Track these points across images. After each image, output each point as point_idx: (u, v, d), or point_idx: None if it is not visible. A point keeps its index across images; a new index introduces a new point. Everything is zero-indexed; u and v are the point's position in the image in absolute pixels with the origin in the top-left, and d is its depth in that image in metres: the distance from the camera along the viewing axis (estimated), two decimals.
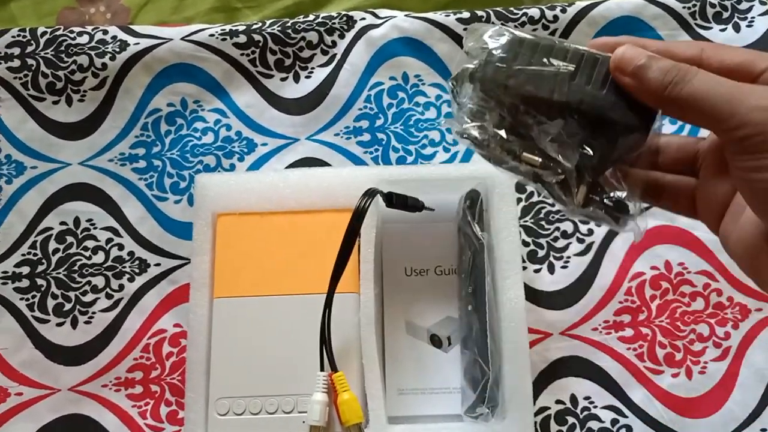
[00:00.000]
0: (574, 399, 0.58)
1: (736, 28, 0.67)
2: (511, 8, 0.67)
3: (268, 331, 0.53)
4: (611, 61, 0.35)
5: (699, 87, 0.32)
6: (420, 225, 0.60)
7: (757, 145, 0.30)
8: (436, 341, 0.57)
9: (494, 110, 0.41)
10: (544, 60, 0.38)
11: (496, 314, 0.54)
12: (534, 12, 0.67)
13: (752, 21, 0.67)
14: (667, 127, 0.62)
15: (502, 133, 0.41)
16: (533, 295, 0.60)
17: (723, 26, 0.68)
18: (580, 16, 0.67)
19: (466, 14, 0.67)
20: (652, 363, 0.59)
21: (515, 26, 0.65)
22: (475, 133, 0.42)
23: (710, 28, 0.68)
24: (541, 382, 0.58)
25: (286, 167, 0.64)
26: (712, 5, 0.68)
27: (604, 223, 0.40)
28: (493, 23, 0.66)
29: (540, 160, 0.40)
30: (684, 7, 0.67)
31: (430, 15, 0.67)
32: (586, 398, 0.58)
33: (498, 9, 0.67)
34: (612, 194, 0.39)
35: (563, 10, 0.67)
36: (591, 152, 0.38)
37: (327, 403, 0.51)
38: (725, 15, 0.68)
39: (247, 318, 0.53)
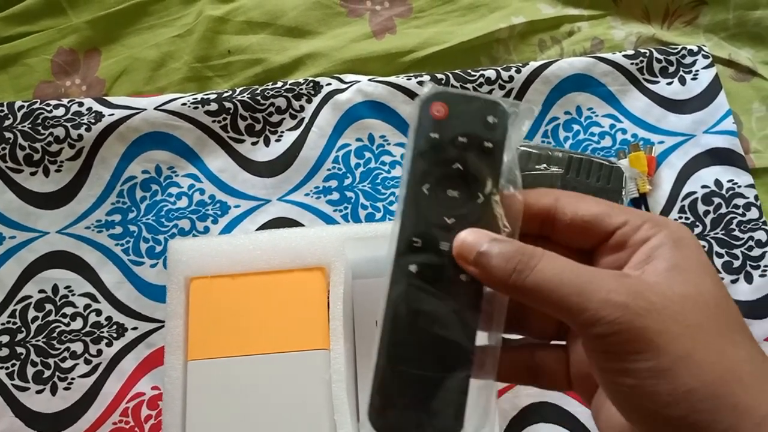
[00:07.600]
0: None
1: (682, 81, 0.71)
2: (469, 70, 0.70)
3: (243, 390, 0.54)
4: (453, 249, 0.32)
5: (544, 276, 0.28)
6: None
7: (614, 345, 0.27)
8: None
9: None
10: (544, 165, 0.61)
11: None
12: (490, 73, 0.70)
13: (696, 74, 0.71)
14: None
15: None
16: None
17: (669, 80, 0.71)
18: (534, 75, 0.70)
19: (426, 77, 0.70)
20: None
21: (473, 87, 0.69)
22: None
23: (657, 82, 0.71)
24: (513, 430, 0.59)
25: (259, 228, 0.66)
26: (659, 60, 0.72)
27: None
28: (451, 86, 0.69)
29: None
30: (632, 64, 0.71)
31: (392, 79, 0.70)
32: None
33: (456, 72, 0.70)
34: None
35: (518, 71, 0.70)
36: None
37: None
38: (671, 69, 0.72)
39: (221, 379, 0.54)
